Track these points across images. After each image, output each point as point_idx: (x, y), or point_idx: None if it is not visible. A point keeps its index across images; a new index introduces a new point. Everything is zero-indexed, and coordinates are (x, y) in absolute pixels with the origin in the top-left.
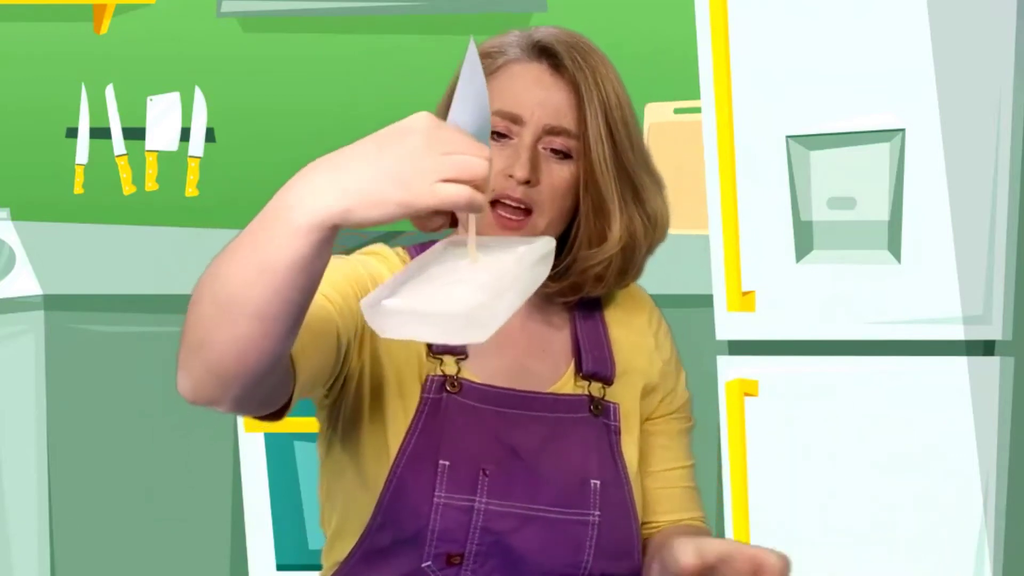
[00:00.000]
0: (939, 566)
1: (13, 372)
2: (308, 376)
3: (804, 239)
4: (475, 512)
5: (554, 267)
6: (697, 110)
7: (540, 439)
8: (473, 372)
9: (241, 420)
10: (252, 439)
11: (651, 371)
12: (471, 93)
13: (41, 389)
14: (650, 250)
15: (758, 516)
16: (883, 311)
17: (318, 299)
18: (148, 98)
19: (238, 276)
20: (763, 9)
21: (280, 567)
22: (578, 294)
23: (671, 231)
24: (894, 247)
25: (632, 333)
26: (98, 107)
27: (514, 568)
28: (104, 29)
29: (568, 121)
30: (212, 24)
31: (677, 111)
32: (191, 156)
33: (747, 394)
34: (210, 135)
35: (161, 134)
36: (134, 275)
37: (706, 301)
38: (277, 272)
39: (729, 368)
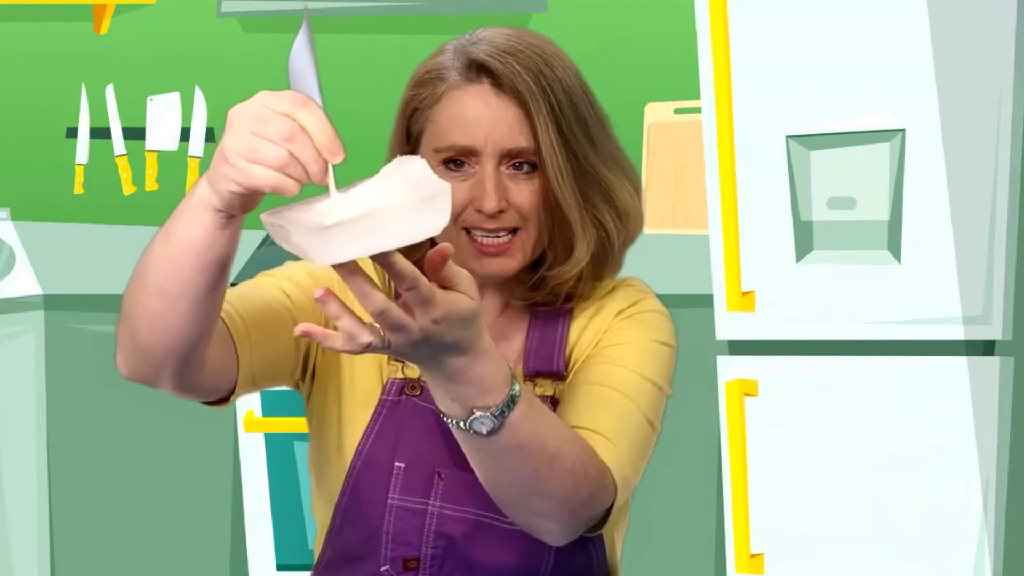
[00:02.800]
0: (939, 566)
1: (13, 372)
2: (257, 367)
3: (804, 239)
4: (428, 515)
5: (527, 281)
6: (697, 110)
7: None
8: None
9: (241, 420)
10: (252, 439)
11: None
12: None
13: (41, 389)
14: (625, 245)
15: (758, 516)
16: (883, 311)
17: (273, 291)
18: (148, 98)
19: (151, 251)
20: (763, 9)
21: (280, 567)
22: (554, 304)
23: (671, 231)
24: (894, 247)
25: (596, 325)
26: (98, 107)
27: (471, 574)
28: (104, 29)
29: (524, 138)
30: (212, 24)
31: (677, 111)
32: (191, 156)
33: (747, 394)
34: (210, 135)
35: (161, 134)
36: None
37: (706, 301)
38: (176, 249)
39: (729, 368)
